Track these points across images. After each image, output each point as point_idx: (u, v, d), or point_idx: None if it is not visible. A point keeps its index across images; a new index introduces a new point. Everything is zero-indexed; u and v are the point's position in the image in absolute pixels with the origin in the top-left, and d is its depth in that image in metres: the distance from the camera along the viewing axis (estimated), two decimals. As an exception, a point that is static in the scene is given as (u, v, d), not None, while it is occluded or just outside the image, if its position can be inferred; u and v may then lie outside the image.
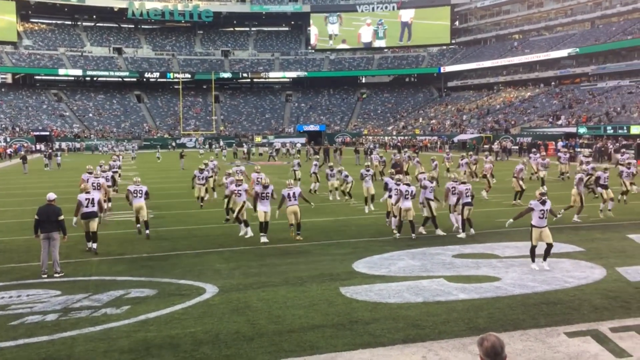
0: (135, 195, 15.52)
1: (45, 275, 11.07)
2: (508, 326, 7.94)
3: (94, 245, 13.33)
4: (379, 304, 9.04)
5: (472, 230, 14.71)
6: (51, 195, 11.84)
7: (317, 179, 24.30)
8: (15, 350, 7.39)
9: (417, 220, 14.95)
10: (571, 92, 69.66)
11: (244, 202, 15.27)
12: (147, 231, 15.15)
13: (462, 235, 14.53)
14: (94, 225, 13.39)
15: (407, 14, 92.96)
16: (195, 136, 79.16)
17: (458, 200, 14.93)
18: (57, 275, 11.13)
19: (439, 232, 14.82)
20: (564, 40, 77.56)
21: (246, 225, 15.10)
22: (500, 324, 8.01)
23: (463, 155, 27.40)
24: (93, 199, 13.45)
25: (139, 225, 15.73)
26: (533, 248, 11.35)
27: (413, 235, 14.50)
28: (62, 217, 11.45)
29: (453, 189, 15.07)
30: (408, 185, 14.80)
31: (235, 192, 15.54)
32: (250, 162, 47.71)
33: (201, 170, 21.30)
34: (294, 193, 14.47)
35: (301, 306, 8.97)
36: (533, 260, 11.28)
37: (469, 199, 14.67)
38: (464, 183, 15.08)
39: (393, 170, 19.97)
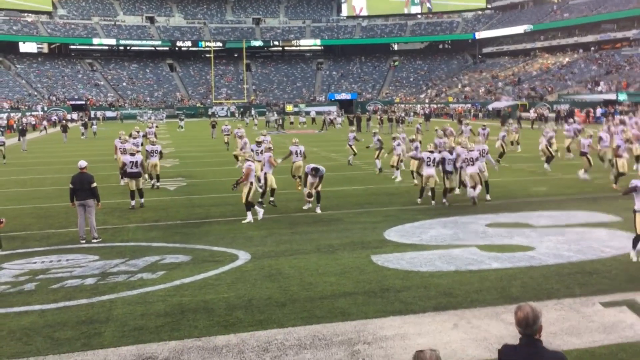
0: (152, 154, 18.18)
1: (84, 241, 11.38)
2: (542, 295, 7.86)
3: (142, 200, 15.25)
4: (411, 272, 9.04)
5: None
6: (82, 163, 12.08)
7: (353, 150, 23.26)
8: (57, 312, 7.63)
9: (439, 187, 14.85)
10: (611, 57, 67.45)
11: (251, 183, 13.26)
12: (142, 200, 15.45)
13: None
14: (139, 183, 15.26)
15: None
16: (227, 105, 79.40)
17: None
18: (94, 240, 11.44)
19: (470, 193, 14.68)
20: (605, 3, 74.81)
21: (248, 208, 13.31)
22: (534, 294, 7.94)
23: (484, 125, 25.26)
24: (137, 161, 15.15)
25: (153, 180, 18.32)
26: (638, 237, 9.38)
27: (433, 202, 14.62)
28: (94, 185, 11.65)
29: (428, 159, 14.70)
30: (431, 152, 14.79)
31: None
32: (282, 130, 47.75)
33: (259, 144, 17.64)
34: (300, 150, 16.56)
35: (333, 273, 9.03)
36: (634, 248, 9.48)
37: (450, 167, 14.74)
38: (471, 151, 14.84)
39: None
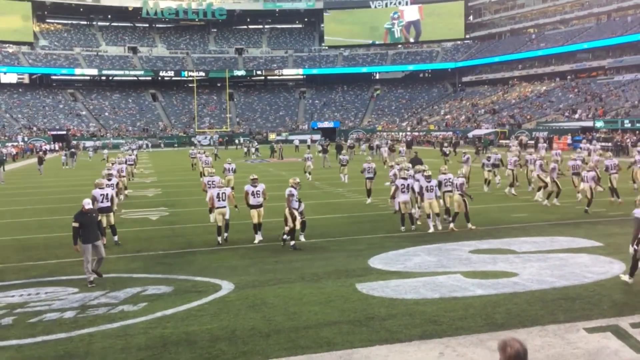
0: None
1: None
2: (526, 322, 7.85)
3: (115, 238, 13.92)
4: (396, 300, 9.00)
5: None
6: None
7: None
8: (34, 347, 7.45)
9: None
10: (587, 85, 68.86)
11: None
12: (115, 237, 14.12)
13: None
14: (110, 219, 13.93)
15: (420, 10, 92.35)
16: (209, 134, 79.40)
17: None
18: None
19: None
20: (580, 33, 76.67)
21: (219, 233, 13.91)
22: (518, 320, 7.93)
23: (465, 152, 25.54)
24: (107, 194, 14.00)
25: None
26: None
27: (412, 227, 15.01)
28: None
29: (402, 186, 15.05)
30: (405, 179, 15.26)
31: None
32: (265, 160, 47.76)
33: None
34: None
35: (317, 302, 8.95)
36: (632, 275, 9.49)
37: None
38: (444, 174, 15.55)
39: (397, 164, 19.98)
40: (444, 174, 15.73)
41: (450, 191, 15.44)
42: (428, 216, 14.82)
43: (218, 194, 14.18)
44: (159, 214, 19.10)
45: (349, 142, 52.36)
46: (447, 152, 35.94)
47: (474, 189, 20.25)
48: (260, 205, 13.88)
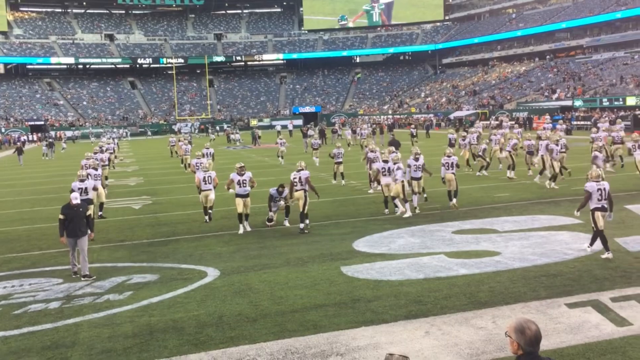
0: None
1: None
2: (509, 299, 7.99)
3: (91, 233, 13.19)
4: (380, 281, 9.08)
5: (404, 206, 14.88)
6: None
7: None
8: (20, 338, 7.42)
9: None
10: (566, 65, 69.41)
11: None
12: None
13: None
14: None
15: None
16: (191, 121, 78.84)
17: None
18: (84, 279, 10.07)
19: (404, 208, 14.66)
20: (558, 12, 77.07)
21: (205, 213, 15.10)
22: (501, 297, 8.06)
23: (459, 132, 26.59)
24: (86, 188, 13.72)
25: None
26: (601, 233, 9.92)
27: (386, 211, 14.95)
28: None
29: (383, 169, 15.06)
30: (386, 162, 15.17)
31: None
32: (247, 146, 47.59)
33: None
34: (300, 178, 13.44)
35: (303, 286, 9.01)
36: (608, 249, 9.87)
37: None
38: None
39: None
40: (449, 156, 15.60)
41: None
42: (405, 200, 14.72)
43: (204, 177, 14.98)
44: (141, 203, 19.00)
45: (336, 126, 52.33)
46: (415, 134, 36.53)
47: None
48: (247, 195, 13.51)
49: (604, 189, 9.97)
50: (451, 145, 24.22)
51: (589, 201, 10.01)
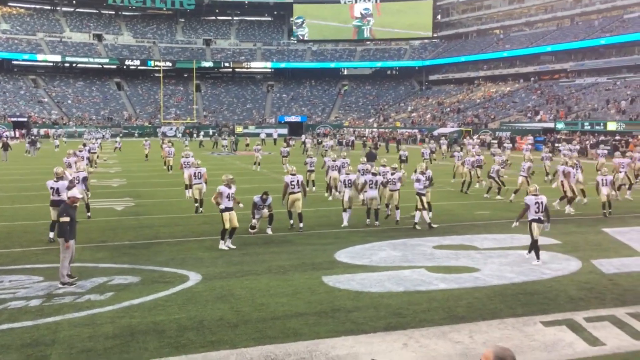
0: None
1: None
2: (486, 315, 8.15)
3: (51, 235, 12.77)
4: (361, 292, 9.20)
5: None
6: (73, 193, 10.34)
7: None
8: (0, 334, 7.39)
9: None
10: (550, 87, 70.51)
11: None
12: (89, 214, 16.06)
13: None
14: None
15: (389, 7, 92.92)
16: (176, 125, 78.52)
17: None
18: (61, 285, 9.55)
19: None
20: (544, 36, 78.38)
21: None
22: (479, 313, 8.22)
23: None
24: (58, 188, 12.72)
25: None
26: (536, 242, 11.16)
27: (376, 223, 15.17)
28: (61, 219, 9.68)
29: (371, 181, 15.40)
30: (374, 175, 15.52)
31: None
32: (234, 152, 47.61)
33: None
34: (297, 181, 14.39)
35: (284, 294, 9.09)
36: (538, 258, 11.06)
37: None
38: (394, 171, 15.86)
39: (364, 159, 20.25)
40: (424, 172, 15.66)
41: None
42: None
43: (195, 172, 17.09)
44: (124, 205, 18.93)
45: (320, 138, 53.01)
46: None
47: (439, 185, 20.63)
48: (232, 208, 12.67)
49: (541, 202, 11.13)
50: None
51: (527, 212, 11.15)
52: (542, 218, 11.12)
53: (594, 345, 7.14)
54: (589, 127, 51.66)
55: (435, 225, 14.77)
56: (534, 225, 11.06)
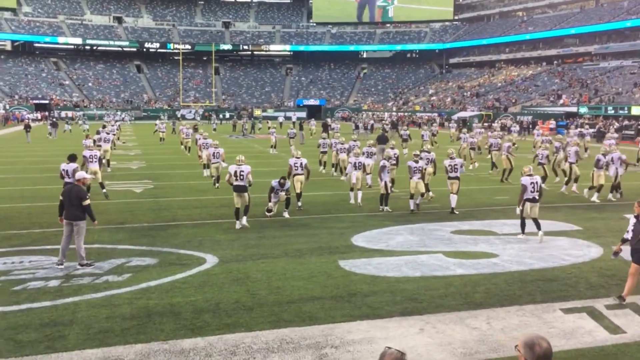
0: (90, 160, 16.78)
1: (62, 266, 9.57)
2: (504, 301, 8.05)
3: None
4: (377, 277, 9.14)
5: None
6: (79, 174, 10.23)
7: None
8: (19, 314, 7.49)
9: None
10: (573, 71, 69.31)
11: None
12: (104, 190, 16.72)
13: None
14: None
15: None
16: (194, 108, 78.78)
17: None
18: (80, 267, 9.56)
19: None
20: (567, 18, 76.89)
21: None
22: (496, 299, 8.12)
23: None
24: (67, 170, 13.53)
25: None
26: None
27: (386, 208, 14.96)
28: (86, 202, 9.64)
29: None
30: (388, 159, 16.10)
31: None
32: (249, 135, 47.67)
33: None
34: (301, 163, 15.30)
35: (300, 278, 9.07)
36: (523, 232, 11.91)
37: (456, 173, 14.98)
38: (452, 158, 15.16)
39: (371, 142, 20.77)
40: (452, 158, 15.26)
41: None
42: (411, 196, 14.86)
43: (214, 152, 18.84)
44: (143, 187, 19.05)
45: (329, 121, 52.66)
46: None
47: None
48: (244, 189, 12.82)
49: (536, 182, 11.69)
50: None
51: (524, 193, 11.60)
52: (536, 197, 11.63)
53: (614, 333, 7.01)
54: (612, 112, 50.74)
55: (457, 212, 14.61)
56: (527, 204, 11.59)
